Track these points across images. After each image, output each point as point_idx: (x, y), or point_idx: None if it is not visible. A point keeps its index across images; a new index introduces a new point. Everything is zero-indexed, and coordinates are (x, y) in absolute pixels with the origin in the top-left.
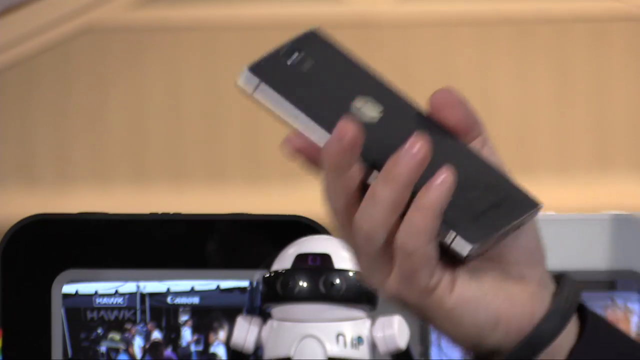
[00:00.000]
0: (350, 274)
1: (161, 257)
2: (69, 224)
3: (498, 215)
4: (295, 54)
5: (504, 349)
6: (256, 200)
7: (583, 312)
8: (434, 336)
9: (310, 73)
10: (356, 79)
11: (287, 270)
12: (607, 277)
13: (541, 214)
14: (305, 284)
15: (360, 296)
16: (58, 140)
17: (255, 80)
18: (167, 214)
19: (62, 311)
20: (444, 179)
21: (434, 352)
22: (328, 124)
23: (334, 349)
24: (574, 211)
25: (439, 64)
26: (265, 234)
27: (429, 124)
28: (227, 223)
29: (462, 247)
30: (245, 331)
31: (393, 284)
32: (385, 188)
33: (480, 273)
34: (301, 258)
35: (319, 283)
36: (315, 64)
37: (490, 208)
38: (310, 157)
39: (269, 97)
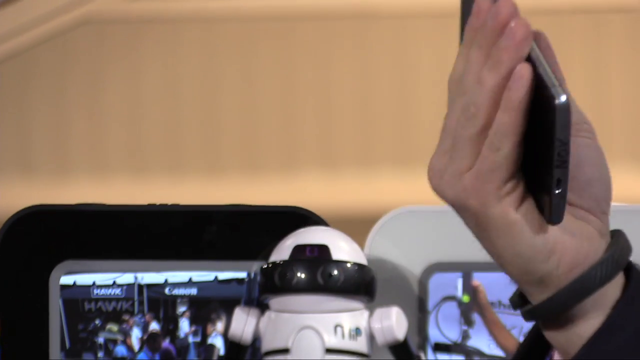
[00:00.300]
0: (349, 265)
1: (159, 248)
2: (67, 215)
3: None
4: None
5: (550, 283)
6: (254, 191)
7: (629, 270)
8: (432, 317)
9: None
10: None
11: (285, 262)
12: None
13: None
14: (303, 275)
15: (358, 287)
16: (56, 131)
17: None
18: (165, 205)
19: (60, 302)
20: (519, 75)
21: (432, 334)
22: None
23: (331, 340)
24: None
25: (437, 55)
26: (263, 225)
27: None
28: (225, 214)
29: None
30: (243, 322)
31: (469, 178)
32: (490, 73)
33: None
34: (299, 249)
35: (317, 274)
36: None
37: None
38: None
39: None
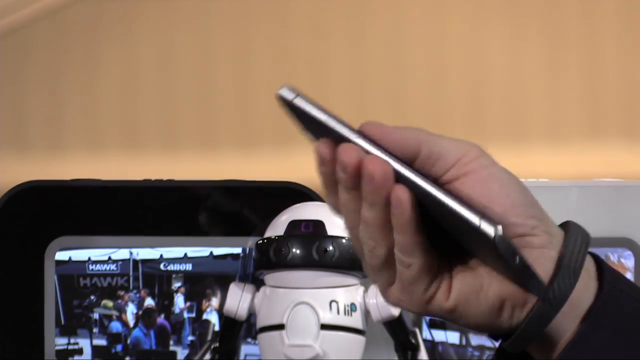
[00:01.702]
0: (344, 240)
1: (154, 224)
2: (62, 191)
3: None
4: None
5: (518, 324)
6: (249, 166)
7: (600, 268)
8: None
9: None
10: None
11: (280, 237)
12: (601, 245)
13: (534, 181)
14: (298, 251)
15: (353, 263)
16: (51, 107)
17: (293, 93)
18: (160, 181)
19: (55, 278)
20: (398, 200)
21: None
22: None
23: (327, 316)
24: (567, 179)
25: (430, 32)
26: (259, 200)
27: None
28: (220, 190)
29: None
30: (238, 298)
31: (395, 293)
32: (369, 212)
33: (474, 264)
34: (294, 225)
35: (312, 250)
36: None
37: None
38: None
39: (305, 105)
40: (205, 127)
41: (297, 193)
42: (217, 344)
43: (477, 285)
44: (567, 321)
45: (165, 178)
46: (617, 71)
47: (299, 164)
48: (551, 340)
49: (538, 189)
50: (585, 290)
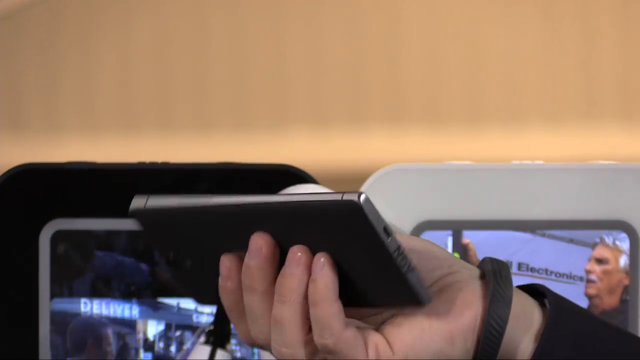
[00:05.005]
0: None
1: None
2: (57, 174)
3: None
4: None
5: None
6: (244, 149)
7: (543, 295)
8: None
9: None
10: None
11: None
12: (596, 227)
13: (529, 163)
14: None
15: None
16: (47, 89)
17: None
18: (156, 163)
19: (50, 261)
20: (322, 265)
21: None
22: None
23: None
24: (563, 161)
25: (428, 15)
26: (254, 183)
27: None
28: (215, 172)
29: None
30: None
31: None
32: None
33: (401, 316)
34: None
35: None
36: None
37: None
38: None
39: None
40: (200, 110)
41: (292, 175)
42: (211, 327)
43: (417, 329)
44: (523, 343)
45: (160, 161)
46: (614, 54)
47: (294, 146)
48: None
49: (533, 171)
50: (530, 310)
